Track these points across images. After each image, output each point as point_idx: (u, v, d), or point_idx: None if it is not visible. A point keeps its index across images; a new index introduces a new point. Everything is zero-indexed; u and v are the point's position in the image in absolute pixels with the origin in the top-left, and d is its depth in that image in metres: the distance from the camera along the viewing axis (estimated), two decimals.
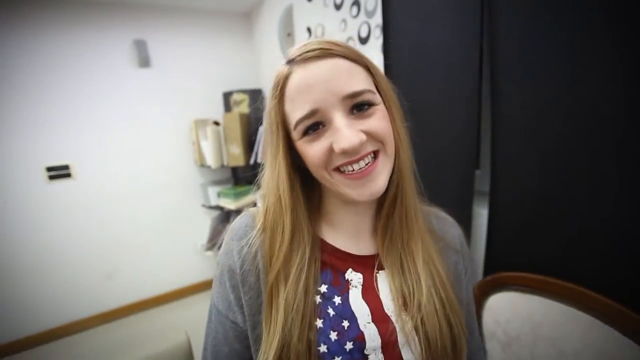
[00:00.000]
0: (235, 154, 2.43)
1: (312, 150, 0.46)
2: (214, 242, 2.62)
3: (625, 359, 0.69)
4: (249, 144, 2.43)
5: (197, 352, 1.13)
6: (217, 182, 2.76)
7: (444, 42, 1.10)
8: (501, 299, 0.95)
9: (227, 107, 2.65)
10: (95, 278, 2.45)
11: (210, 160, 2.49)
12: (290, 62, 0.46)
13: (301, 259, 0.49)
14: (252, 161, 2.39)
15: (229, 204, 2.49)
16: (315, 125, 0.45)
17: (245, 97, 2.57)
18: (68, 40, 2.21)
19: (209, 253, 2.65)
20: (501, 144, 0.99)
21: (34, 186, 2.21)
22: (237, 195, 2.47)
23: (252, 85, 2.77)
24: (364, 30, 1.44)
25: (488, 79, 1.00)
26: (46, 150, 2.23)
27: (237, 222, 0.54)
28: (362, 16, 1.44)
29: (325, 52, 0.44)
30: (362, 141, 0.44)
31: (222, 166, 2.54)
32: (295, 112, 0.45)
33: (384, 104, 0.48)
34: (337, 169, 0.47)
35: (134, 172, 2.52)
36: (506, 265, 0.98)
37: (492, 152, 1.02)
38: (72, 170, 2.32)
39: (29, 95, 2.14)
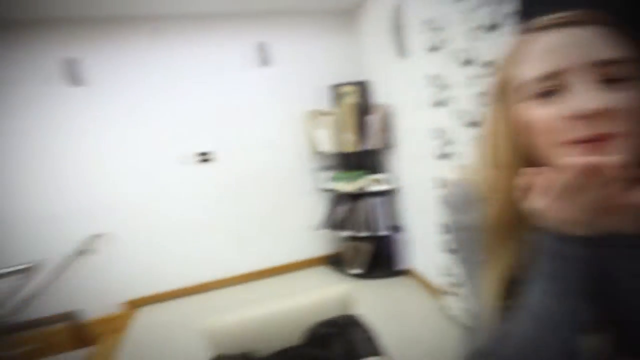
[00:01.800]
0: (348, 141, 2.68)
1: (541, 115, 0.41)
2: (328, 221, 2.94)
3: None
4: (360, 131, 2.66)
5: None
6: (330, 168, 3.06)
7: None
8: None
9: (337, 99, 2.90)
10: (230, 247, 3.00)
11: (325, 147, 2.79)
12: (534, 29, 0.44)
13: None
14: (363, 147, 2.62)
15: (343, 187, 2.76)
16: (550, 90, 0.41)
17: (352, 89, 2.79)
18: (194, 44, 2.73)
19: (323, 231, 2.98)
20: None
21: (185, 167, 2.80)
22: (349, 179, 2.74)
23: (357, 77, 2.97)
24: (490, 19, 1.49)
25: None
26: (196, 139, 2.81)
27: (453, 193, 0.56)
28: (488, 5, 1.49)
29: (579, 19, 0.41)
30: (603, 108, 0.37)
31: (335, 153, 2.82)
32: (529, 71, 0.42)
33: None
34: (567, 144, 0.40)
35: (261, 159, 2.96)
36: None
37: None
38: (214, 156, 2.85)
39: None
